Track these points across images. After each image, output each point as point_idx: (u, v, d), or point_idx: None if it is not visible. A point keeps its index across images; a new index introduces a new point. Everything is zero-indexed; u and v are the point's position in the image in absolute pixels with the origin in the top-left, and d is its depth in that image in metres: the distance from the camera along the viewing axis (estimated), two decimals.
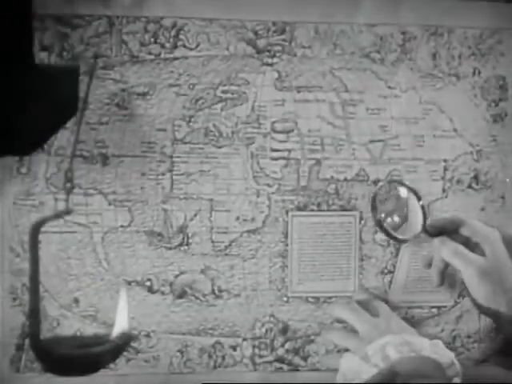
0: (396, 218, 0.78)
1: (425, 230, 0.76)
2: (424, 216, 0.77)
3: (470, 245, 0.75)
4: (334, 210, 0.81)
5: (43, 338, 0.63)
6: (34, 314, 0.61)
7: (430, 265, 0.78)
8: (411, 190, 0.79)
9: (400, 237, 0.77)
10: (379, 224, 0.77)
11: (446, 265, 0.77)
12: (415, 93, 0.82)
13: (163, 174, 0.78)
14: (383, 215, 0.77)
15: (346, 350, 0.77)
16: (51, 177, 0.76)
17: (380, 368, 0.67)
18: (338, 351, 0.80)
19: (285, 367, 0.81)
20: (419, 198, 0.78)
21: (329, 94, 0.80)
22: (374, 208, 0.78)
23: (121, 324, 0.64)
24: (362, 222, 0.81)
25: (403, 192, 0.79)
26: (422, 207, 0.78)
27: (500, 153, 0.83)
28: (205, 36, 0.78)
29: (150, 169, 0.78)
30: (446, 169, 0.82)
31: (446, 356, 0.69)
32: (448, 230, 0.77)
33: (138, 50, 0.77)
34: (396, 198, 0.79)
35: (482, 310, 0.73)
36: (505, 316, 0.71)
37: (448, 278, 0.78)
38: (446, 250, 0.75)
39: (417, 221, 0.78)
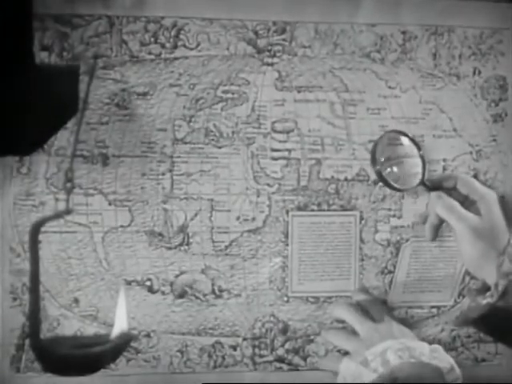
0: (395, 169, 0.79)
1: (423, 182, 0.77)
2: (423, 168, 0.78)
3: (467, 203, 0.76)
4: (335, 210, 0.81)
5: (43, 338, 0.62)
6: (34, 314, 0.61)
7: (425, 221, 0.79)
8: (412, 140, 0.79)
9: (399, 187, 0.78)
10: (379, 174, 0.78)
11: (441, 221, 0.77)
12: (415, 93, 0.81)
13: (163, 174, 0.78)
14: (383, 161, 0.78)
15: (346, 351, 0.77)
16: (51, 177, 0.76)
17: (380, 373, 0.67)
18: (338, 351, 0.80)
19: (285, 367, 0.81)
20: (419, 149, 0.79)
21: (329, 93, 0.80)
22: (373, 158, 0.78)
23: (120, 324, 0.64)
24: (363, 221, 0.81)
25: (404, 142, 0.79)
26: (422, 158, 0.78)
27: (500, 153, 0.83)
28: (205, 36, 0.78)
29: (151, 169, 0.78)
30: (445, 168, 0.82)
31: (445, 361, 0.69)
32: (446, 186, 0.78)
33: (139, 49, 0.77)
34: (396, 149, 0.79)
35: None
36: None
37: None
38: (441, 205, 0.76)
39: (416, 172, 0.79)
